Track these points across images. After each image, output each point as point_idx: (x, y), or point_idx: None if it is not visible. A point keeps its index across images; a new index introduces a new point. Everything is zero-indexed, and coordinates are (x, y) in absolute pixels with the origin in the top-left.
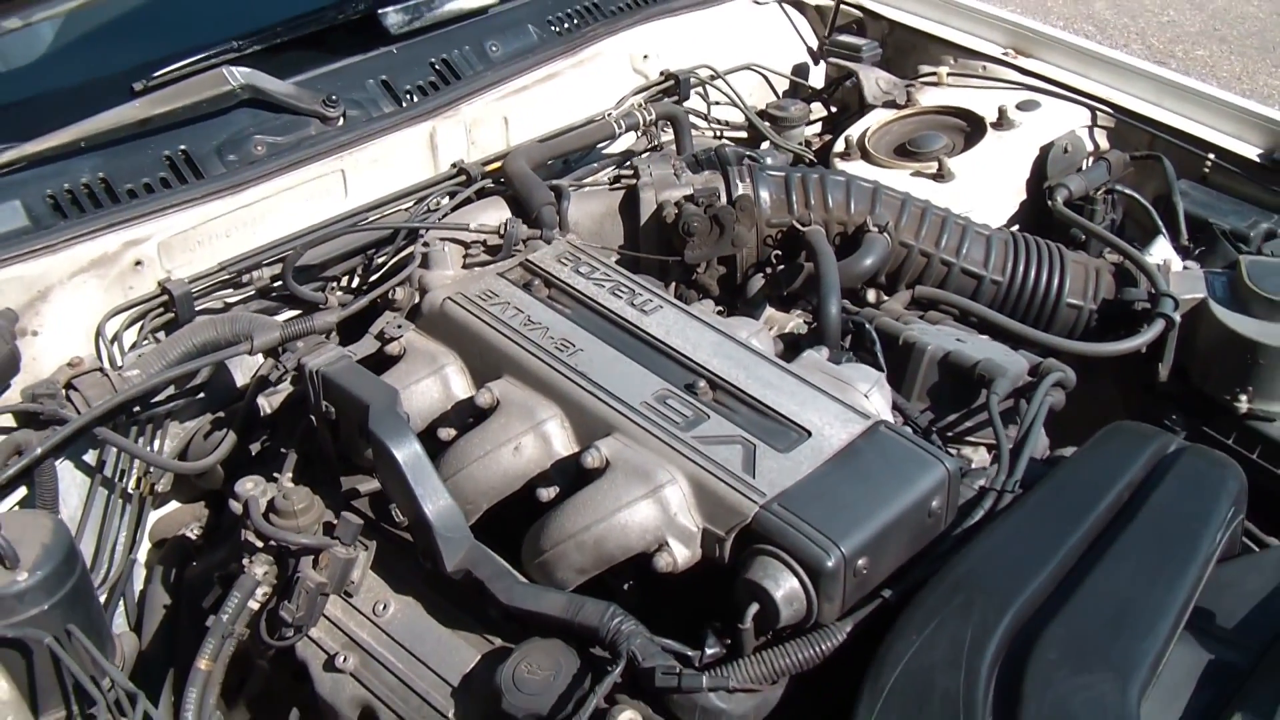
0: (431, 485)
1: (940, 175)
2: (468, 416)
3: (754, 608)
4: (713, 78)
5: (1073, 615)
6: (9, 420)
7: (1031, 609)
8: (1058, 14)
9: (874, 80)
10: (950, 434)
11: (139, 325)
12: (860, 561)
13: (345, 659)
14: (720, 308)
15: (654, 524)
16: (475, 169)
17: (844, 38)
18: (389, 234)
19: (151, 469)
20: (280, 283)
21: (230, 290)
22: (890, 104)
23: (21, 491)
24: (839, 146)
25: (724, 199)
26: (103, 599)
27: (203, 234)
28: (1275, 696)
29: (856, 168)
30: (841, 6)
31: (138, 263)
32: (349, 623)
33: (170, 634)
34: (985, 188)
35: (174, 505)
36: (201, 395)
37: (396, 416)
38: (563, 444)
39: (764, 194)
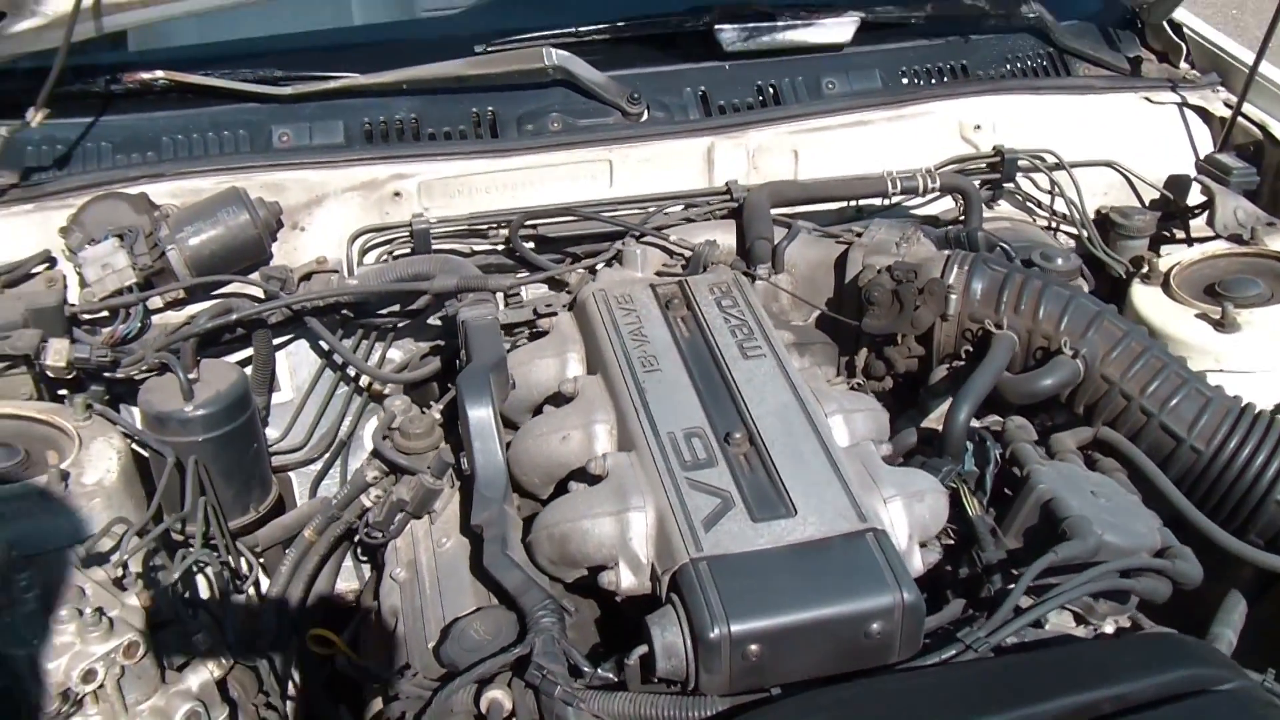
0: (489, 447)
1: (1222, 323)
2: (560, 400)
3: (642, 649)
4: (1055, 166)
5: None
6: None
7: None
8: None
9: (1231, 209)
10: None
11: (384, 247)
12: (752, 647)
13: (400, 573)
14: (856, 381)
15: (610, 541)
16: (740, 191)
17: (1223, 156)
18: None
19: None
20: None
21: (476, 239)
22: (1235, 238)
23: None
24: (1144, 268)
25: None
26: (318, 464)
27: (464, 184)
28: None
29: (1150, 295)
30: (1240, 122)
31: (396, 194)
32: (419, 544)
33: None
34: (1262, 351)
35: None
36: (435, 321)
37: (483, 379)
38: (603, 446)
39: (977, 285)
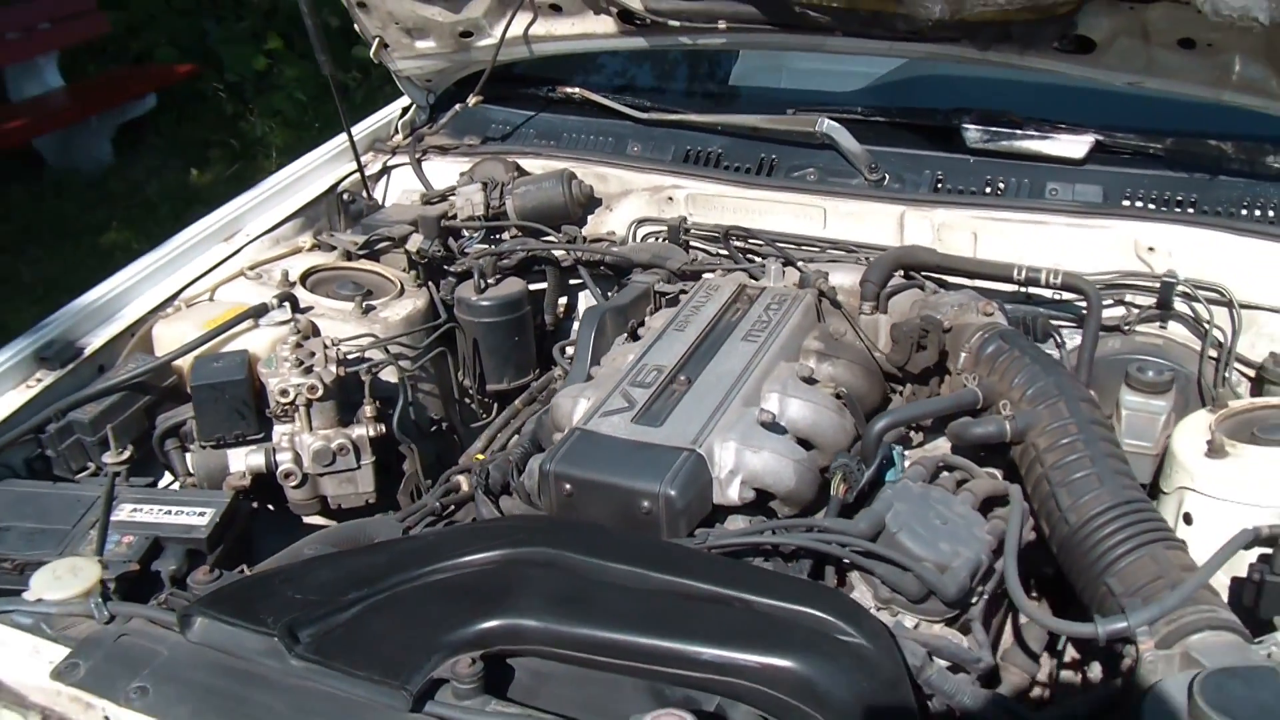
0: (581, 356)
1: (1211, 449)
2: None
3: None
4: (1223, 303)
5: None
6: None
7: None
8: None
9: None
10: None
11: (652, 234)
12: (566, 486)
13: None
14: (835, 390)
15: (566, 413)
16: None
17: None
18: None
19: None
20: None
21: (707, 242)
22: None
23: None
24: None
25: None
26: None
27: (719, 203)
28: None
29: (1197, 418)
30: None
31: (669, 198)
32: None
33: None
34: (1247, 488)
35: None
36: None
37: (598, 314)
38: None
39: (986, 350)
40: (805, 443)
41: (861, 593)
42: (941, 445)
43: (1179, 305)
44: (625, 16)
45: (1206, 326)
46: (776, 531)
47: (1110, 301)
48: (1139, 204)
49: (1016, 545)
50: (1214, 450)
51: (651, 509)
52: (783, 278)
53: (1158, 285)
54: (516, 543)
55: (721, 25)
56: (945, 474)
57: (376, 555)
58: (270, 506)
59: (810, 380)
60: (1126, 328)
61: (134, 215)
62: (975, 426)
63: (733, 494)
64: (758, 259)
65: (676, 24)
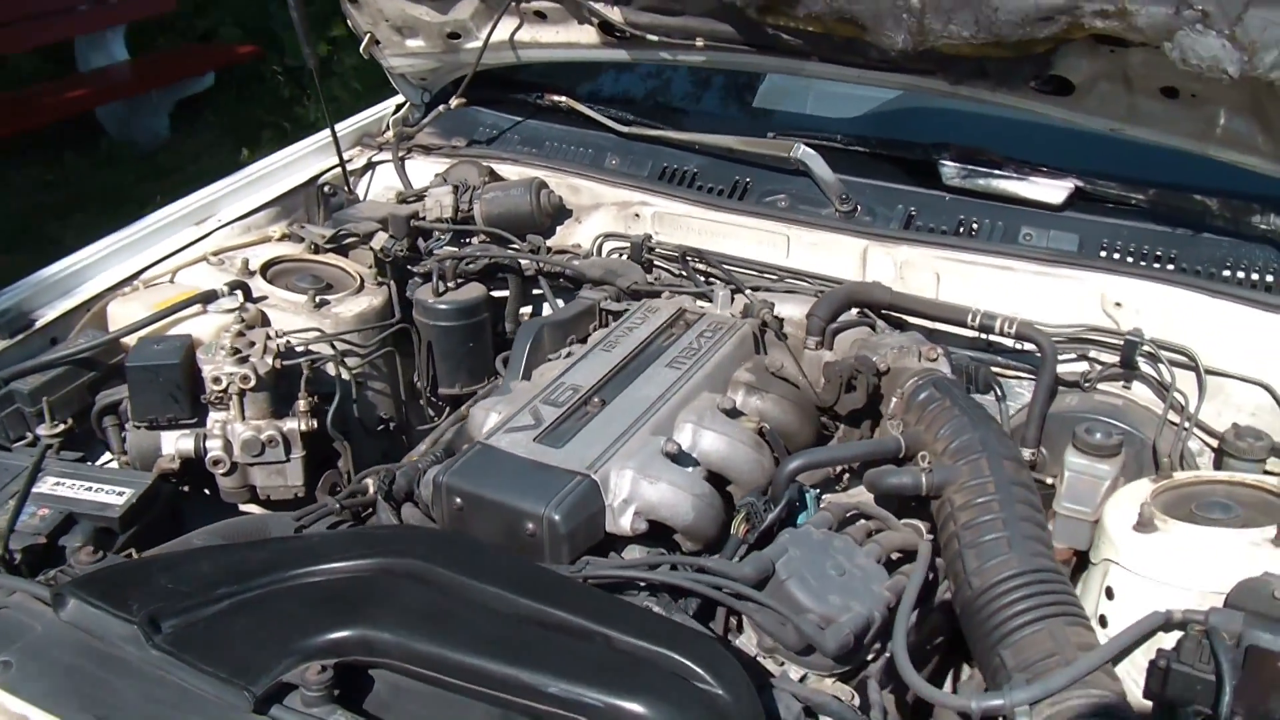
0: (513, 368)
1: (1140, 523)
2: None
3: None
4: (1189, 367)
5: None
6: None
7: None
8: None
9: None
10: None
11: (616, 249)
12: (457, 499)
13: None
14: (758, 426)
15: (479, 424)
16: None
17: None
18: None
19: None
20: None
21: (669, 262)
22: None
23: None
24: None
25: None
26: None
27: (684, 223)
28: None
29: (1137, 486)
30: None
31: (636, 215)
32: None
33: None
34: (1171, 568)
35: None
36: None
37: (534, 327)
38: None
39: (917, 397)
40: (719, 477)
41: (748, 638)
42: (865, 492)
43: (1144, 366)
44: (606, 28)
45: (1169, 390)
46: (656, 567)
47: (1072, 356)
48: (1115, 256)
49: (911, 605)
50: (1142, 524)
51: (536, 531)
52: (730, 305)
53: (1121, 343)
54: (394, 552)
55: (699, 43)
56: (862, 522)
57: (257, 552)
58: (206, 491)
59: (734, 413)
60: (1087, 384)
61: (179, 190)
62: (891, 476)
63: (625, 523)
64: (718, 284)
65: (655, 38)
